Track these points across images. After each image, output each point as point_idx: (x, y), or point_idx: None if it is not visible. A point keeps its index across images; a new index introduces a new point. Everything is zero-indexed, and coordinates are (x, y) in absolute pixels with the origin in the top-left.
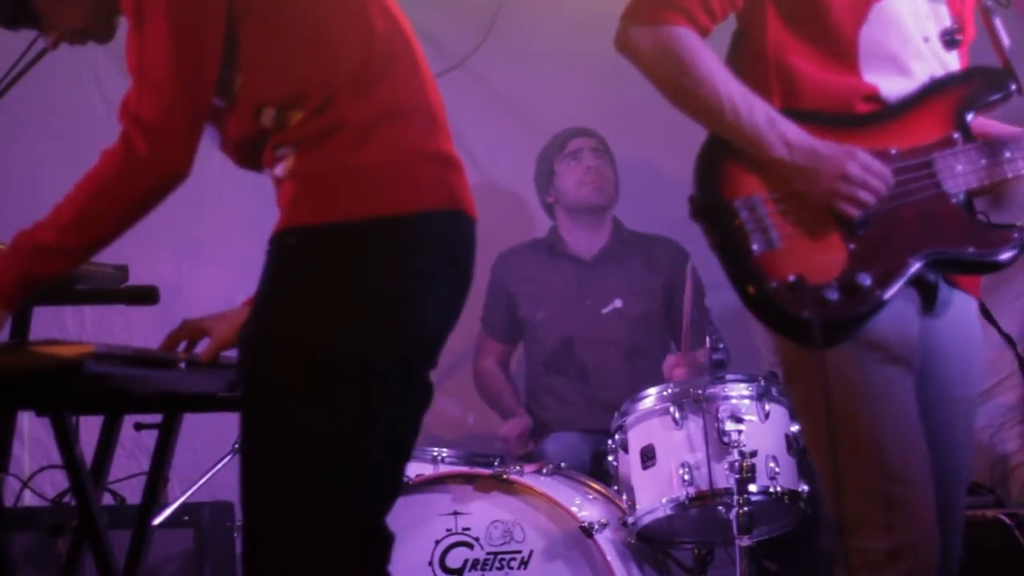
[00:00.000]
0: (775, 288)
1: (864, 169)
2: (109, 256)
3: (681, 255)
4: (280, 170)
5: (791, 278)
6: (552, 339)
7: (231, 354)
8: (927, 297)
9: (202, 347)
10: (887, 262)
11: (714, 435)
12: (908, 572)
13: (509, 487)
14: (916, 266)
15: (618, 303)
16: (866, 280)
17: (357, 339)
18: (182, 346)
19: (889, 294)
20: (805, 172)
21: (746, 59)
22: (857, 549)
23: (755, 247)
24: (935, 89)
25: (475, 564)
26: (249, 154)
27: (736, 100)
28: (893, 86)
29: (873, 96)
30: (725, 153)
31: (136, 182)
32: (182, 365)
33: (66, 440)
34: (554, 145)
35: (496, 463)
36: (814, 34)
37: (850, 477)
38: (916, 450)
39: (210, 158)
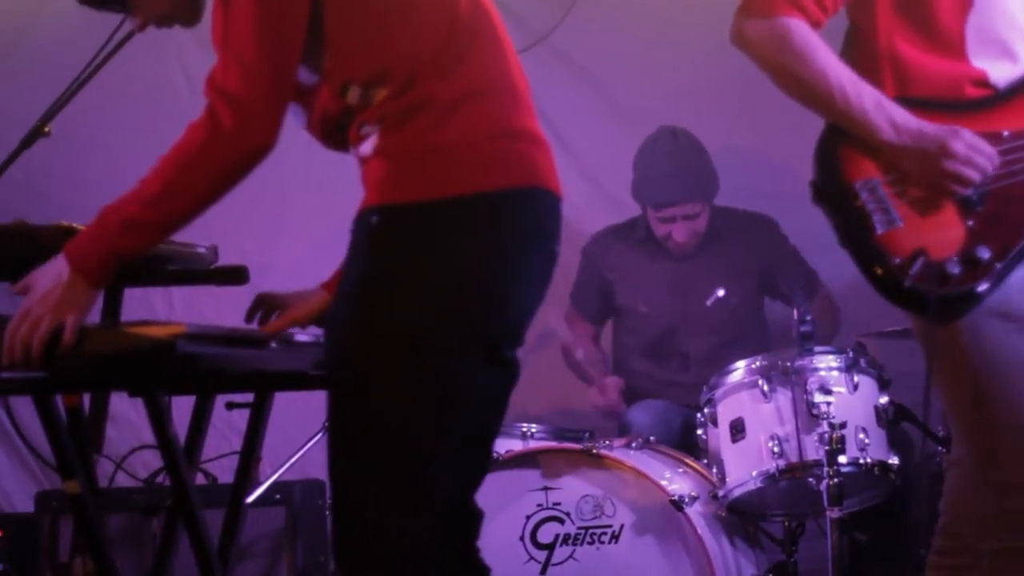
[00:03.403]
0: (898, 264)
1: (969, 147)
2: (194, 235)
3: (775, 229)
4: (365, 149)
5: (913, 252)
6: (653, 329)
7: (319, 332)
8: None
9: None
10: (1005, 236)
11: (803, 407)
12: None
13: (599, 462)
14: None
15: (720, 292)
16: (985, 253)
17: (442, 318)
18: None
19: (1008, 266)
20: (912, 153)
21: (859, 51)
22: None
23: (878, 227)
24: None
25: (566, 539)
26: (335, 133)
27: (846, 87)
28: (1002, 71)
29: (982, 81)
30: (842, 138)
31: (222, 155)
32: (273, 344)
33: (160, 420)
34: (651, 187)
35: (585, 438)
36: (922, 22)
37: (996, 451)
38: None
39: (295, 137)
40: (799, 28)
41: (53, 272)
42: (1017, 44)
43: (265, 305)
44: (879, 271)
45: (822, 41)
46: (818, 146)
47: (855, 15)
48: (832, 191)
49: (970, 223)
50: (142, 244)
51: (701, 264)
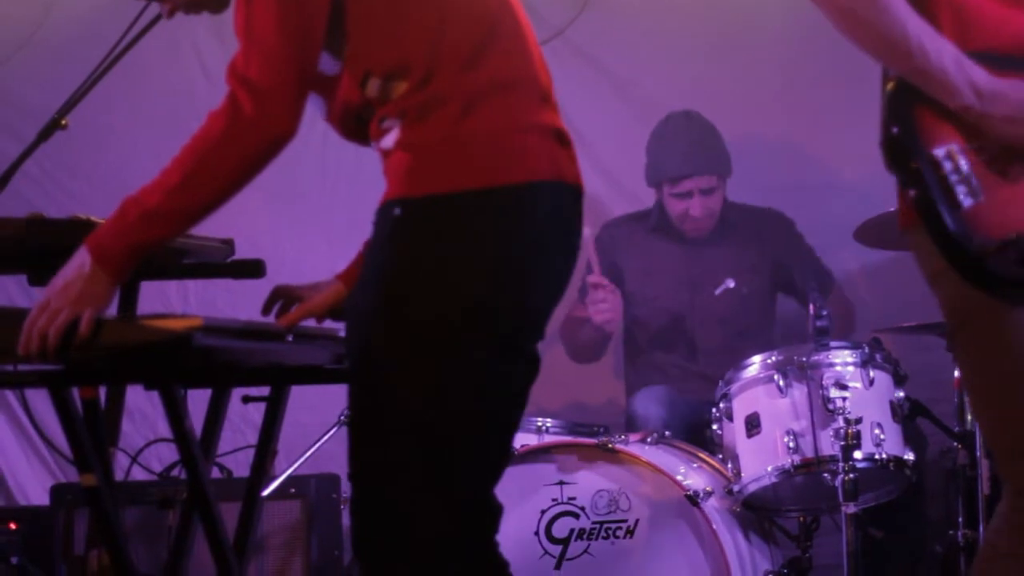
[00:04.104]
0: (985, 244)
1: None
2: (210, 229)
3: (788, 227)
4: (387, 142)
5: (1010, 234)
6: (661, 317)
7: (338, 326)
8: None
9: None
10: None
11: (819, 402)
12: None
13: (614, 456)
14: None
15: (730, 283)
16: None
17: (462, 311)
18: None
19: None
20: (999, 120)
21: None
22: None
23: (964, 200)
24: None
25: (581, 533)
26: (355, 125)
27: (925, 42)
28: None
29: None
30: (915, 96)
31: (243, 142)
32: (289, 338)
33: (176, 413)
34: (666, 164)
35: (600, 432)
36: None
37: None
38: None
39: (312, 129)
40: None
41: (74, 265)
42: None
43: (281, 297)
44: (962, 246)
45: None
46: (888, 104)
47: None
48: (908, 157)
49: None
50: (164, 235)
51: (712, 253)
